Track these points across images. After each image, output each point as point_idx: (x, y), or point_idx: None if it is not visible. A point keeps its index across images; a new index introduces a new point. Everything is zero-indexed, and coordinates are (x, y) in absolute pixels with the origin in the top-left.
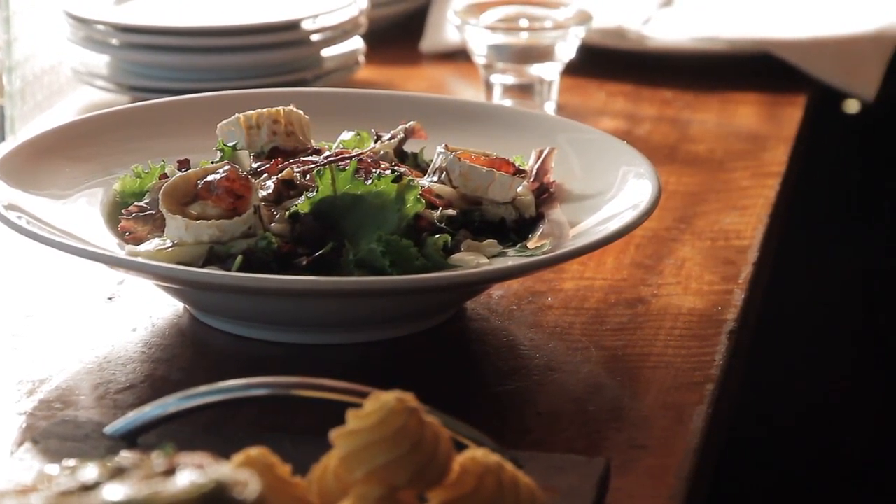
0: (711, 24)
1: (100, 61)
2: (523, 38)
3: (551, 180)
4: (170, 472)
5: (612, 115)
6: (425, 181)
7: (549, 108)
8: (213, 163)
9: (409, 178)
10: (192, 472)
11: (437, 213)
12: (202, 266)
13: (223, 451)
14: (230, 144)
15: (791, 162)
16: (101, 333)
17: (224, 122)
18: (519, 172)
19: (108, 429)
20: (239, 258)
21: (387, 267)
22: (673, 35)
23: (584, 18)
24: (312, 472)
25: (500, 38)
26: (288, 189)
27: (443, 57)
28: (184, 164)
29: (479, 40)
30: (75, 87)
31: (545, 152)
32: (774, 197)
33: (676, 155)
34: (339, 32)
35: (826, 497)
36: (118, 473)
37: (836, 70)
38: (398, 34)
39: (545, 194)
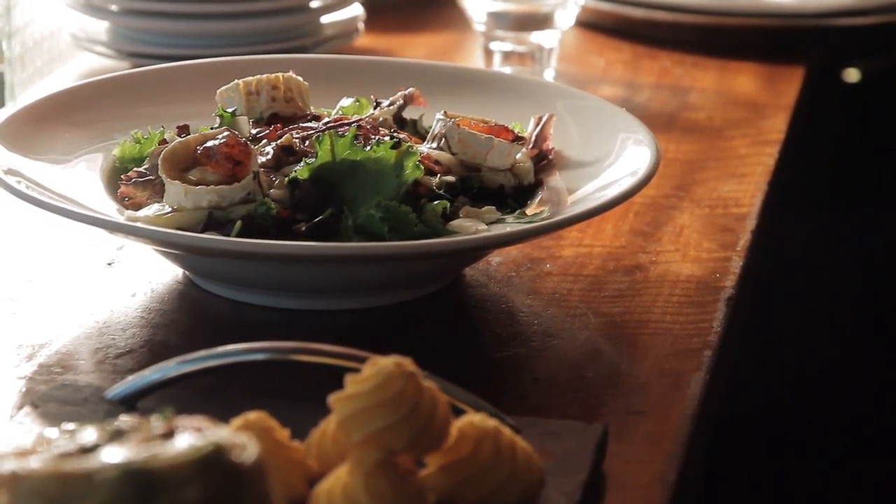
0: None
1: (99, 27)
2: (523, 5)
3: (550, 147)
4: (168, 434)
5: (611, 83)
6: (424, 148)
7: (549, 75)
8: (212, 129)
9: (408, 144)
10: (190, 435)
11: (435, 180)
12: (201, 231)
13: (222, 415)
14: (229, 110)
15: (790, 130)
16: (101, 298)
17: (223, 88)
18: (518, 139)
19: (108, 393)
20: (238, 224)
21: (385, 233)
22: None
23: None
24: (311, 436)
25: (500, 6)
26: (287, 155)
27: (442, 24)
28: (183, 130)
29: (479, 7)
30: (75, 54)
31: (544, 119)
32: (773, 165)
33: (675, 122)
34: None
35: (822, 466)
36: (117, 436)
37: None
38: (398, 1)
39: (544, 161)
